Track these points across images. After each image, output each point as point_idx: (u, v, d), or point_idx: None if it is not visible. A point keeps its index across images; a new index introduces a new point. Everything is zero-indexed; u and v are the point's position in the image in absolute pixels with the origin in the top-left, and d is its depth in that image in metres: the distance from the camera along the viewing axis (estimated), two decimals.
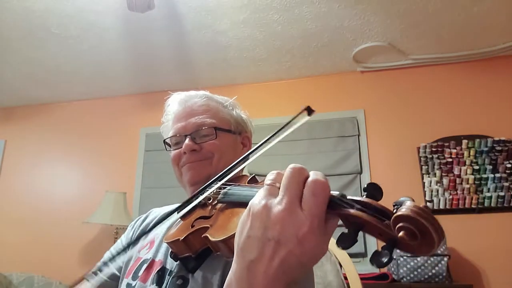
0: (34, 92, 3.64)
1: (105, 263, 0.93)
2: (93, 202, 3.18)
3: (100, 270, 0.92)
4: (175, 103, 0.96)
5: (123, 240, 0.99)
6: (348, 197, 0.44)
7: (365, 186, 0.44)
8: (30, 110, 3.91)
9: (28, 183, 3.67)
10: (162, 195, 3.20)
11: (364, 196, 0.43)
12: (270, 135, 0.62)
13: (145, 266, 0.83)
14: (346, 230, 0.43)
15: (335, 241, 0.42)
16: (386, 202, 0.41)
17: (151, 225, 0.54)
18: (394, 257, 2.36)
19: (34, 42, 2.83)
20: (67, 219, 3.40)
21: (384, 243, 0.41)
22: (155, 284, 0.78)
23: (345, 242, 0.41)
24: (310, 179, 0.44)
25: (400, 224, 0.38)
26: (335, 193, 0.44)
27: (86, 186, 3.52)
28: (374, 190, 0.43)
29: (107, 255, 0.97)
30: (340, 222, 0.46)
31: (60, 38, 2.78)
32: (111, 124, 3.66)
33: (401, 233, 0.37)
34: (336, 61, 3.07)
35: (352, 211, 0.42)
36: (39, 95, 3.71)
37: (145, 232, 0.50)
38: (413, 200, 0.39)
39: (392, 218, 0.39)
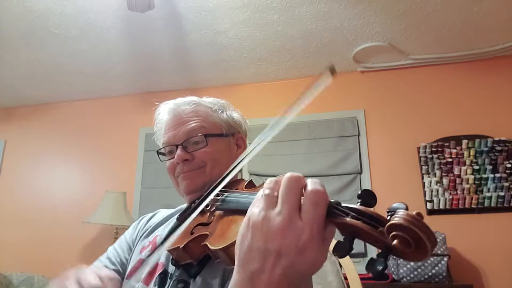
0: (34, 92, 3.64)
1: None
2: (93, 202, 3.18)
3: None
4: (164, 112, 0.96)
5: (127, 236, 1.00)
6: (343, 204, 0.44)
7: (359, 193, 0.44)
8: (30, 110, 3.91)
9: (28, 183, 3.67)
10: (162, 195, 3.20)
11: (359, 204, 0.44)
12: (291, 104, 0.49)
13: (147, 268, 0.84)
14: (341, 238, 0.43)
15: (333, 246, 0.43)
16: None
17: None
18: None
19: (34, 42, 2.82)
20: (67, 219, 3.40)
21: (379, 250, 0.41)
22: (157, 287, 0.80)
23: (340, 250, 0.42)
24: (309, 188, 0.44)
25: (394, 233, 0.39)
26: (330, 200, 0.45)
27: (86, 186, 3.52)
28: (368, 197, 0.44)
29: (110, 251, 0.97)
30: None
31: (60, 38, 2.78)
32: (111, 124, 3.66)
33: (395, 242, 0.38)
34: (336, 61, 3.07)
35: (347, 219, 0.42)
36: (39, 95, 3.71)
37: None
38: (406, 207, 0.40)
39: (386, 226, 0.39)
